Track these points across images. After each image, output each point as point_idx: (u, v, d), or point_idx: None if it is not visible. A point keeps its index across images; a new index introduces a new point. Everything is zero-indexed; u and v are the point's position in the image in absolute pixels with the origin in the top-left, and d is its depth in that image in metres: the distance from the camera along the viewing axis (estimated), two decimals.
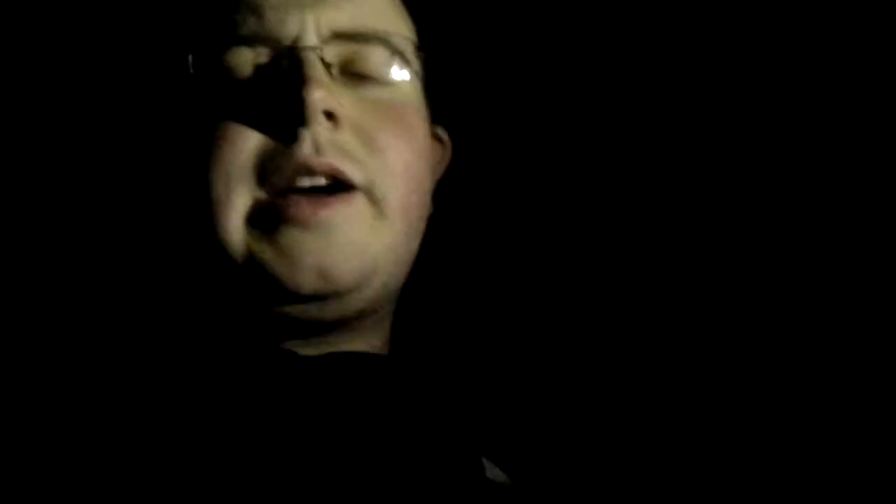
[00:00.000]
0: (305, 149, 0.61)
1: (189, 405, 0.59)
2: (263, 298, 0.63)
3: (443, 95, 0.73)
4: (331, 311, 0.63)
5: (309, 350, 0.65)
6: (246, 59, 0.65)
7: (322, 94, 0.61)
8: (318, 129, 0.62)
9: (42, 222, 0.84)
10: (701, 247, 0.86)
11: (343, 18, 0.65)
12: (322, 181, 0.62)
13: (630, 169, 0.88)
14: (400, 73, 0.67)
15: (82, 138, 0.84)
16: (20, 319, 0.75)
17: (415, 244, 0.68)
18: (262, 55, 0.65)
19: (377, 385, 0.64)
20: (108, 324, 0.69)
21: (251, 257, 0.62)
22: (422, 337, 0.80)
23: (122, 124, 0.79)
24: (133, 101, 0.76)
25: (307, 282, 0.61)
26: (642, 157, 0.88)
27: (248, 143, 0.63)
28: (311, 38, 0.64)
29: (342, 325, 0.65)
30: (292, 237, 0.61)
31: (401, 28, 0.69)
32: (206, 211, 0.63)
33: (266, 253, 0.62)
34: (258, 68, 0.64)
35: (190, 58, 0.65)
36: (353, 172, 0.63)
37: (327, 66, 0.64)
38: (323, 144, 0.62)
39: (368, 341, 0.68)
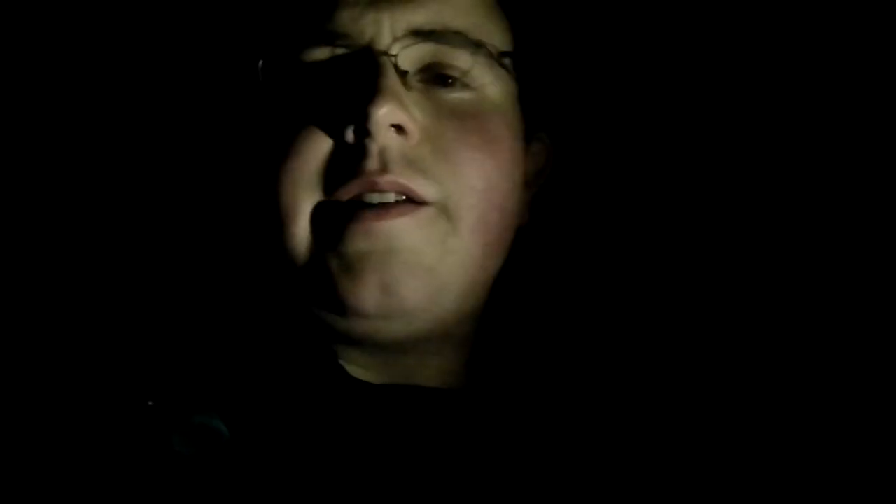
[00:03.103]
0: (372, 164, 0.59)
1: (247, 422, 0.58)
2: (328, 312, 0.61)
3: (542, 99, 0.67)
4: (397, 330, 0.61)
5: (377, 371, 0.63)
6: (318, 60, 0.62)
7: (389, 109, 0.58)
8: (387, 143, 0.59)
9: (116, 223, 0.82)
10: None
11: (423, 17, 0.61)
12: (391, 197, 0.60)
13: (742, 170, 0.81)
14: (486, 78, 0.63)
15: (154, 139, 0.82)
16: (89, 315, 0.72)
17: (496, 263, 0.65)
18: (334, 55, 0.61)
19: (442, 426, 0.61)
20: (172, 328, 0.66)
21: (316, 268, 0.60)
22: (511, 364, 0.70)
23: (193, 126, 0.77)
24: (203, 104, 0.74)
25: (370, 297, 0.59)
26: (754, 159, 0.80)
27: (317, 151, 0.60)
28: (385, 41, 0.61)
29: (412, 346, 0.62)
30: (356, 249, 0.59)
31: (491, 27, 0.64)
32: (274, 218, 0.61)
33: (330, 265, 0.60)
34: (330, 70, 0.62)
35: (260, 63, 0.62)
36: (423, 189, 0.60)
37: (403, 72, 0.61)
38: (391, 159, 0.59)
39: (441, 367, 0.65)
